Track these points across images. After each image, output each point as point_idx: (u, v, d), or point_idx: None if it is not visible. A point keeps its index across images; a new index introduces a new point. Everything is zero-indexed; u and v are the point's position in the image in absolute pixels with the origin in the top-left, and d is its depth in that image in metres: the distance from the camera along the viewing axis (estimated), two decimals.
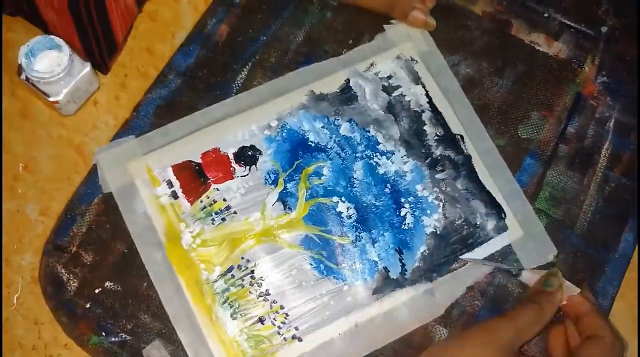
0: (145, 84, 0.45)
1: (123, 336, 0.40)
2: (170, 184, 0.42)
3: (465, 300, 0.43)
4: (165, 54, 0.46)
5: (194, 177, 0.43)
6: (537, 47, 0.48)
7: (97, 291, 0.41)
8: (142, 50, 0.47)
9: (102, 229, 0.42)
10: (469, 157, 0.45)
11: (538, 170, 0.46)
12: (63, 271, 0.41)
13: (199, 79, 0.45)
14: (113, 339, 0.40)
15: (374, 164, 0.44)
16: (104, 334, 0.40)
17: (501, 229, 0.44)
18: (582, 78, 0.48)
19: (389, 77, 0.46)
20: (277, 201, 0.43)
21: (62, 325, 0.41)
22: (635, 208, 0.45)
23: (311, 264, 0.42)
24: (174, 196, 0.42)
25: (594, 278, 0.44)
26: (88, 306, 0.41)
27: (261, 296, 0.41)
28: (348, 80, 0.46)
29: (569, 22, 0.49)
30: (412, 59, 0.46)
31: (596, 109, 0.47)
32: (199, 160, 0.43)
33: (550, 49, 0.48)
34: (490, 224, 0.44)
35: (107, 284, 0.41)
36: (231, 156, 0.43)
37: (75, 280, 0.41)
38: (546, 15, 0.49)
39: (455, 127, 0.45)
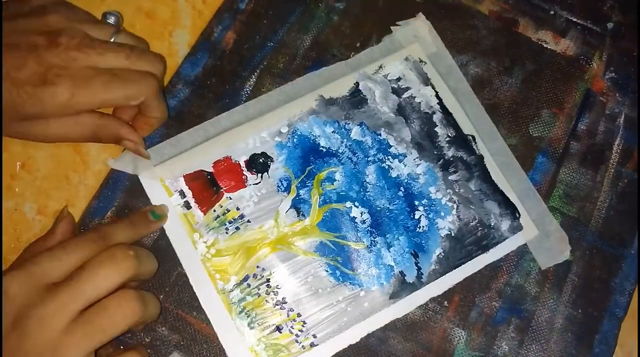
0: None
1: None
2: (182, 194, 0.42)
3: (483, 301, 0.43)
4: (163, 52, 0.45)
5: (206, 187, 0.43)
6: (545, 45, 0.48)
7: None
8: None
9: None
10: (481, 158, 0.45)
11: (551, 168, 0.46)
12: None
13: (207, 87, 0.45)
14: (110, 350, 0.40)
15: (387, 167, 0.44)
16: (122, 347, 0.40)
17: (516, 228, 0.44)
18: (591, 74, 0.48)
19: (398, 79, 0.46)
20: (291, 208, 0.43)
21: None
22: None
23: (327, 271, 0.42)
24: (187, 206, 0.42)
25: (610, 275, 0.44)
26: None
27: (278, 305, 0.41)
28: (357, 84, 0.45)
29: (575, 19, 0.49)
30: (421, 61, 0.46)
31: (606, 105, 0.47)
32: (211, 170, 0.43)
33: (558, 47, 0.48)
34: (505, 225, 0.44)
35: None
36: (243, 164, 0.43)
37: None
38: (552, 12, 0.49)
39: (467, 128, 0.45)
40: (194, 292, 0.41)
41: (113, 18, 0.42)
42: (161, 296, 0.41)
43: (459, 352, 0.42)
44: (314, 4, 0.47)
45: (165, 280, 0.41)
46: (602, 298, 0.43)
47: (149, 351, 0.40)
